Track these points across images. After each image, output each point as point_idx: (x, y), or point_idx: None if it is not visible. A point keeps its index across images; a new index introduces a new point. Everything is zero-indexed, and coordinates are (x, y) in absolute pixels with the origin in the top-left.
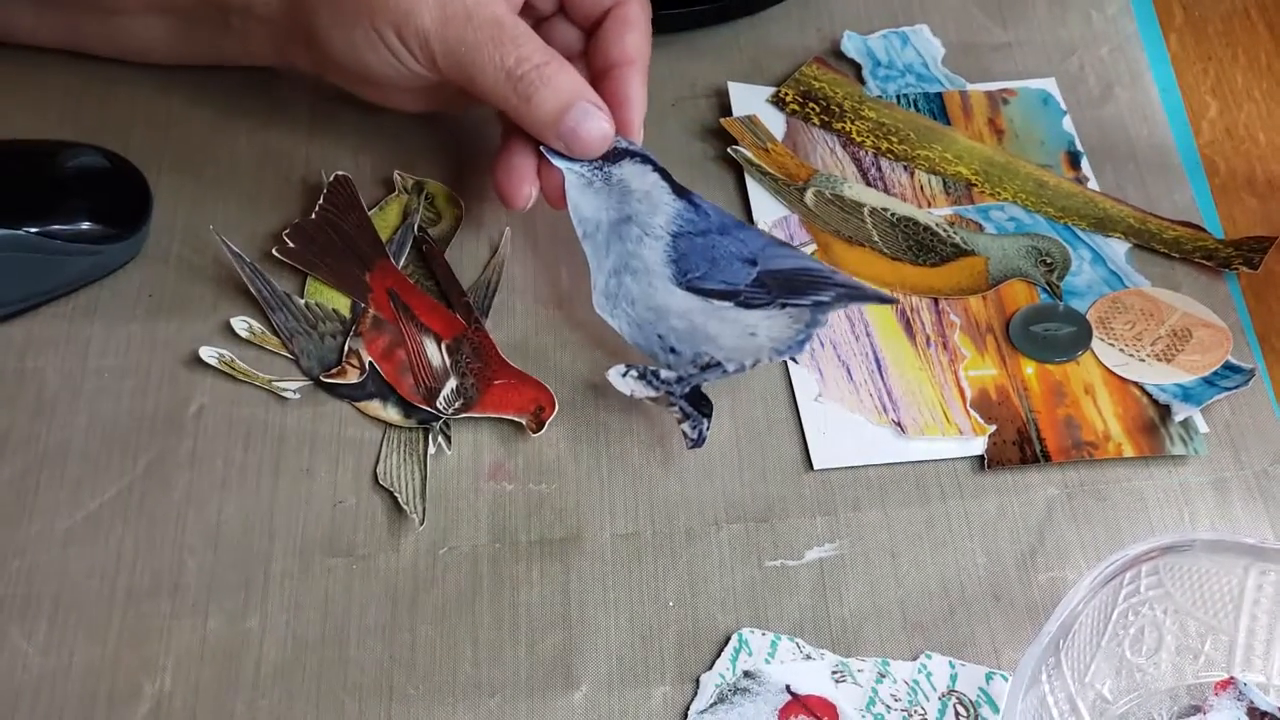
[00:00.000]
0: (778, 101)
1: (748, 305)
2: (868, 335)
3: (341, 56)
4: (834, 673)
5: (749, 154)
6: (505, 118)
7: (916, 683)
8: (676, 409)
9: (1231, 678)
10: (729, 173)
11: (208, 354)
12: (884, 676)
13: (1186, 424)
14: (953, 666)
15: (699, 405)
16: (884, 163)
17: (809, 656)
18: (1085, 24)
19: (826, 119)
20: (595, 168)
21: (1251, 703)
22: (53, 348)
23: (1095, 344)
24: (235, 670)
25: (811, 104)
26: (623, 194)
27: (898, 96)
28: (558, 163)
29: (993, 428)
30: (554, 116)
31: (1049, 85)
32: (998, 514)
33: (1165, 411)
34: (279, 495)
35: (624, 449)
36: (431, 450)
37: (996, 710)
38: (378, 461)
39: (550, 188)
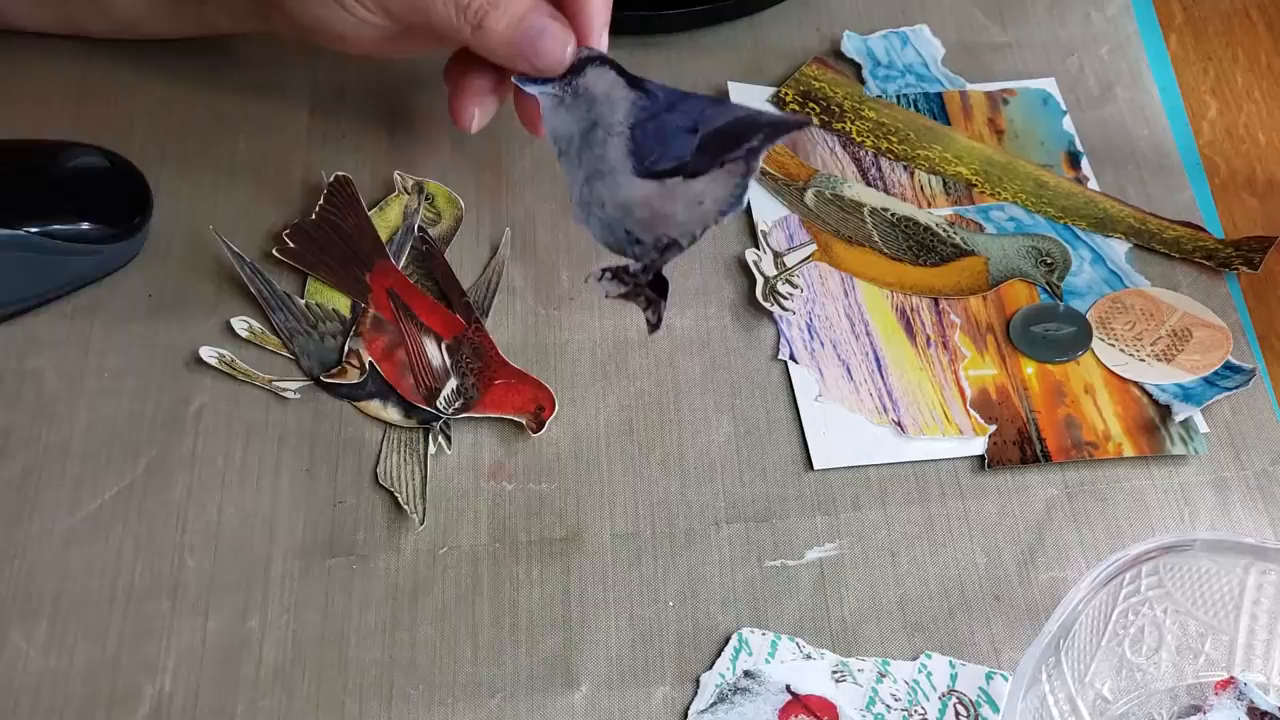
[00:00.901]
0: (778, 101)
1: (694, 175)
2: (868, 335)
3: (304, 18)
4: (834, 672)
5: None
6: (465, 51)
7: (916, 682)
8: (642, 298)
9: (1231, 677)
10: None
11: (208, 354)
12: (884, 676)
13: (1187, 424)
14: (953, 666)
15: (660, 288)
16: (884, 163)
17: (809, 656)
18: (1085, 24)
19: (826, 119)
20: (564, 85)
21: (1251, 702)
22: (53, 348)
23: (1095, 344)
24: (235, 670)
25: (811, 104)
26: (589, 102)
27: (898, 96)
28: (529, 89)
29: (993, 427)
30: (507, 37)
31: (1049, 85)
32: (998, 514)
33: (1165, 411)
34: (279, 495)
35: (624, 449)
36: (431, 450)
37: (996, 710)
38: (378, 461)
39: (528, 118)
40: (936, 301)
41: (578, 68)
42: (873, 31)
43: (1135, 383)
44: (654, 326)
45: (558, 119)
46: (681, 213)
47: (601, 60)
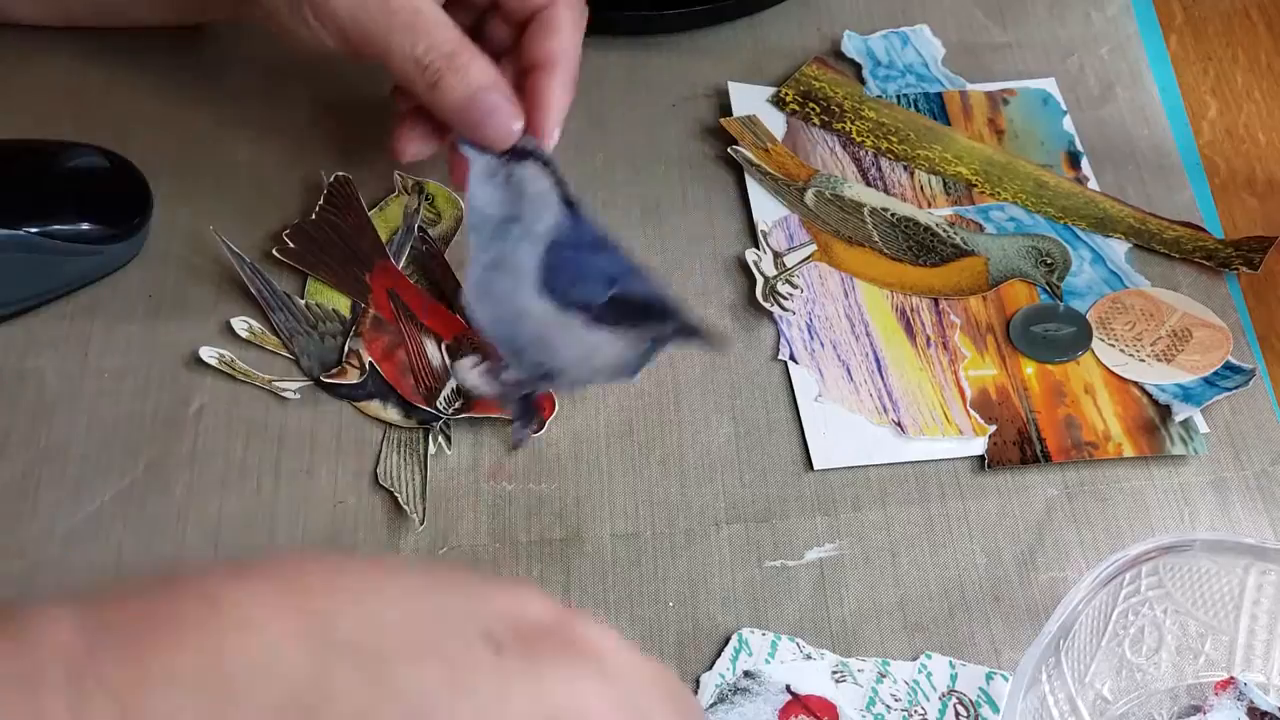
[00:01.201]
0: (778, 101)
1: (596, 324)
2: (868, 335)
3: (275, 20)
4: (834, 672)
5: (749, 154)
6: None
7: (916, 683)
8: (511, 408)
9: (1231, 678)
10: (729, 173)
11: (208, 354)
12: (884, 676)
13: (1187, 424)
14: (953, 666)
15: (528, 411)
16: (884, 163)
17: (809, 656)
18: (1085, 24)
19: (826, 119)
20: (501, 163)
21: (1251, 702)
22: (53, 348)
23: (1095, 344)
24: None
25: (811, 104)
26: (517, 193)
27: (898, 96)
28: (466, 151)
29: (993, 428)
30: (460, 104)
31: (1049, 85)
32: (998, 514)
33: (1165, 411)
34: (279, 495)
35: (624, 449)
36: (431, 450)
37: (996, 710)
38: (378, 461)
39: (457, 172)
40: (936, 301)
41: (519, 154)
42: (873, 31)
43: (1135, 383)
44: (515, 445)
45: (483, 191)
46: (572, 352)
47: (545, 162)
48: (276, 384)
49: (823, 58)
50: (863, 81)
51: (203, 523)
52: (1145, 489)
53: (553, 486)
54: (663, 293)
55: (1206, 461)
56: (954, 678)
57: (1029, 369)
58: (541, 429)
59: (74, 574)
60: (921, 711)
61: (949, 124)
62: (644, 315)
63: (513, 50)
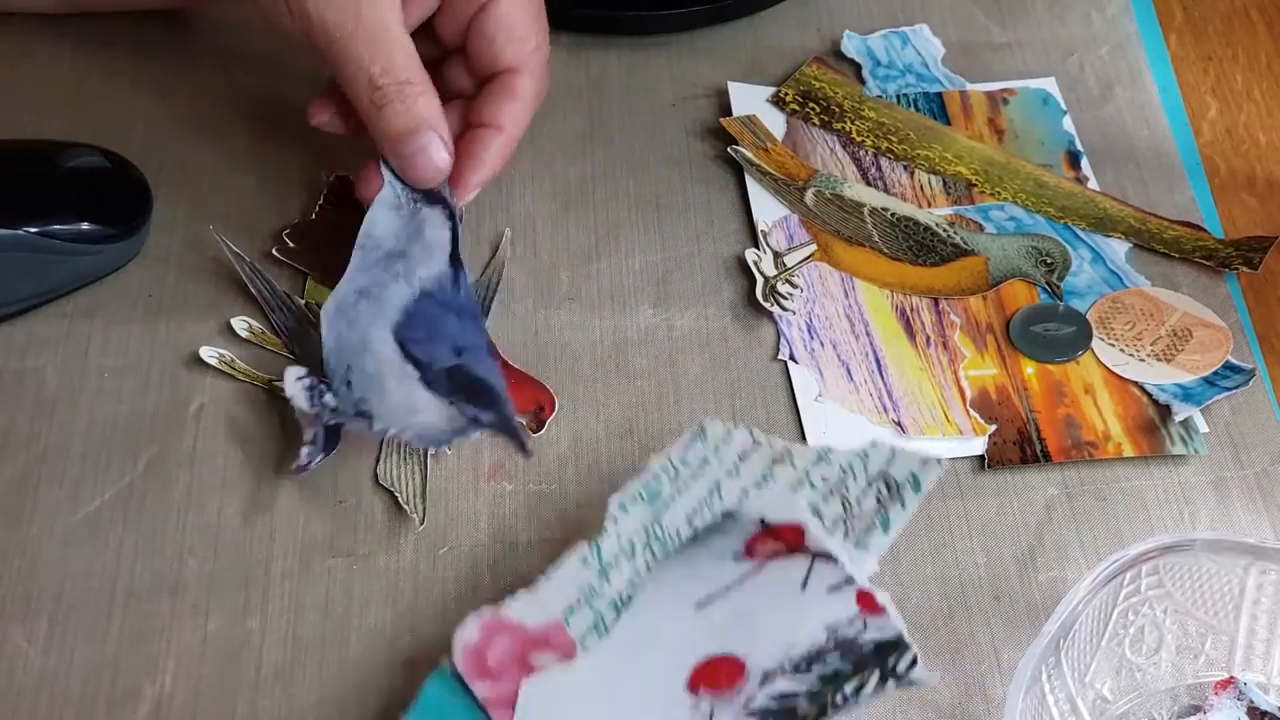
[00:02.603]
0: (778, 101)
1: (427, 385)
2: (868, 335)
3: (258, 7)
4: (774, 461)
5: (749, 154)
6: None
7: (850, 465)
8: (312, 432)
9: (1231, 677)
10: (729, 173)
11: (208, 354)
12: (822, 460)
13: (1187, 424)
14: (893, 453)
15: (328, 441)
16: (884, 162)
17: (757, 442)
18: (1085, 24)
19: (826, 119)
20: (412, 198)
21: (1251, 702)
22: (53, 348)
23: (1095, 344)
24: (235, 670)
25: (811, 104)
26: (415, 233)
27: (898, 96)
28: (385, 174)
29: (993, 427)
30: (397, 135)
31: (1049, 85)
32: (998, 514)
33: (1165, 411)
34: (279, 495)
35: (624, 449)
36: (431, 450)
37: (919, 490)
38: (378, 461)
39: (369, 187)
40: (936, 301)
41: (432, 197)
42: (873, 31)
43: (1135, 383)
44: (300, 469)
45: (385, 218)
46: (396, 403)
47: (452, 214)
48: (276, 384)
49: (822, 57)
50: (862, 81)
51: (203, 523)
52: (1145, 489)
53: (553, 486)
54: (499, 383)
55: (1206, 461)
56: (890, 463)
57: (1029, 369)
58: (541, 429)
59: (74, 574)
60: (844, 491)
61: (949, 124)
62: (472, 396)
63: (466, 100)
